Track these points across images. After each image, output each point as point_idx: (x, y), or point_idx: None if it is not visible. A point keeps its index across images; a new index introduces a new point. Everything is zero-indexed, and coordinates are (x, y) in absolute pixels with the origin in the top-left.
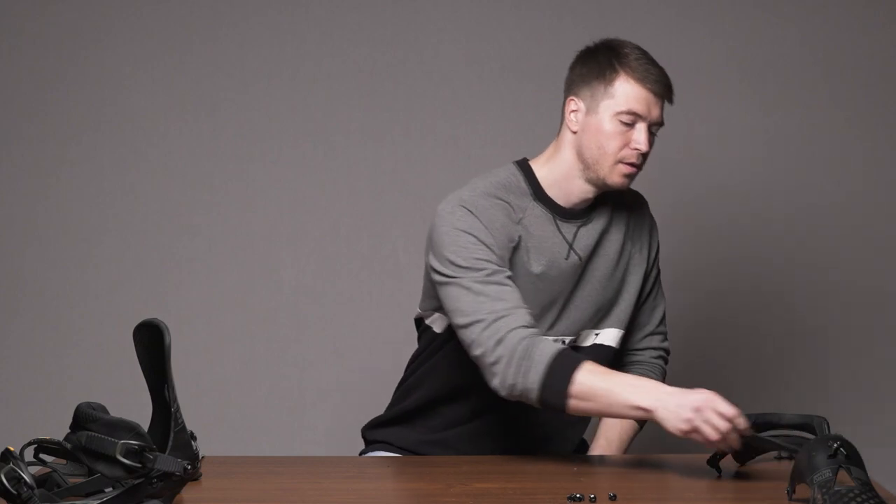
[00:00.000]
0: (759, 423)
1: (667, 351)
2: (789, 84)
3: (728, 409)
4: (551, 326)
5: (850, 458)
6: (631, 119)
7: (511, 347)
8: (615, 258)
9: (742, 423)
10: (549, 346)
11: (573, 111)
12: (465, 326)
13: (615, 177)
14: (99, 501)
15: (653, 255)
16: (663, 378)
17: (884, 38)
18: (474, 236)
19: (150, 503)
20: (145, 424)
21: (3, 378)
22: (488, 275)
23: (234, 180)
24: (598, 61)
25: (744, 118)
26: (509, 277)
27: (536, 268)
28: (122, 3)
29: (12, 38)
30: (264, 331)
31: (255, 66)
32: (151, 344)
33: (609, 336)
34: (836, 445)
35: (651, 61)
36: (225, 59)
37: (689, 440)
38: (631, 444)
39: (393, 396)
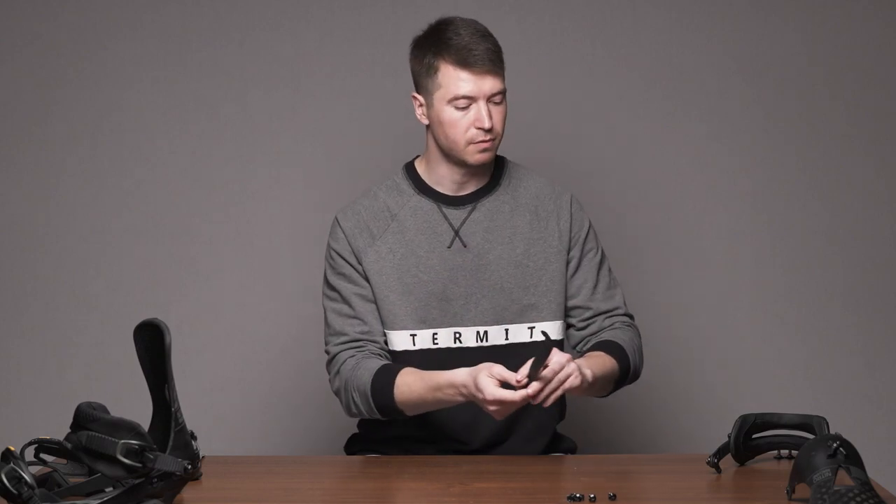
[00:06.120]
0: (759, 423)
1: (629, 315)
2: (789, 84)
3: (492, 395)
4: (460, 316)
5: (850, 457)
6: (464, 103)
7: (342, 379)
8: (521, 246)
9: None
10: (367, 369)
11: (419, 106)
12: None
13: (472, 156)
14: (99, 501)
15: (575, 242)
16: (635, 336)
17: (884, 38)
18: (334, 251)
19: (150, 503)
20: (145, 424)
21: (3, 378)
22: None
23: (235, 181)
24: (424, 54)
25: (744, 118)
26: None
27: (410, 258)
28: (122, 3)
29: (13, 38)
30: (264, 331)
31: (255, 67)
32: (152, 344)
33: (549, 329)
34: (835, 445)
35: (472, 36)
36: (226, 60)
37: (688, 439)
38: (603, 379)
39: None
